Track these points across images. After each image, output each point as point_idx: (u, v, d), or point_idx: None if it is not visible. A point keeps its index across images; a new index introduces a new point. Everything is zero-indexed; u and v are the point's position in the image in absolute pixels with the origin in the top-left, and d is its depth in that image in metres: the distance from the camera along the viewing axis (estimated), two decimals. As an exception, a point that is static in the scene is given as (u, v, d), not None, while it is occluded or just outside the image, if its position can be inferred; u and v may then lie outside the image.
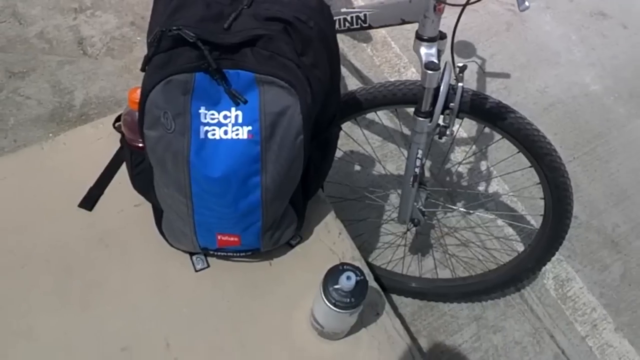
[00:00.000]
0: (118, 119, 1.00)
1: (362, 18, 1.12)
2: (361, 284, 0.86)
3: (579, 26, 2.22)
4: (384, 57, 2.00)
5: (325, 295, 0.86)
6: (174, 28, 0.75)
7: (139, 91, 0.81)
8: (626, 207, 1.74)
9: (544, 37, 2.16)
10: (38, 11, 1.90)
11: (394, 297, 1.49)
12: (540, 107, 1.95)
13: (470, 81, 1.96)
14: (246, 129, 0.80)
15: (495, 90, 1.97)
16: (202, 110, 0.79)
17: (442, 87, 1.03)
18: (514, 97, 1.96)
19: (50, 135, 1.63)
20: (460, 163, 1.76)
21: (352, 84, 1.90)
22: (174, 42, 0.77)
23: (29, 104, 1.70)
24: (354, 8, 1.13)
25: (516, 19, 2.18)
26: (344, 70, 1.93)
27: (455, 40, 1.48)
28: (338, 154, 1.46)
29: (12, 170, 1.08)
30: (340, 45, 1.99)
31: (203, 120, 0.80)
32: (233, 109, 0.80)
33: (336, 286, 0.85)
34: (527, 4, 0.86)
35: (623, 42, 2.19)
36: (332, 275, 0.87)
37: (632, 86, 2.05)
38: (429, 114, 1.05)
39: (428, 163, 1.74)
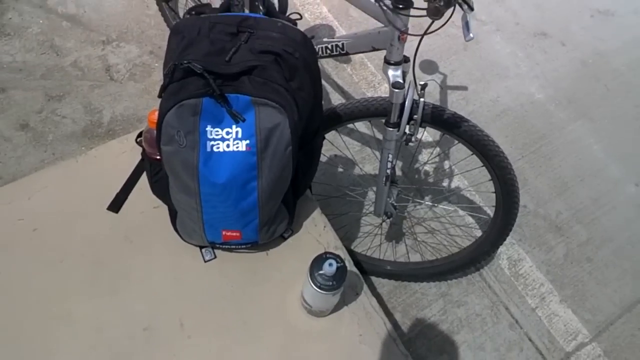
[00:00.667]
0: (139, 135, 1.00)
1: (340, 46, 1.16)
2: (341, 269, 0.88)
3: (524, 45, 2.23)
4: (361, 75, 2.02)
5: (311, 279, 0.89)
6: (185, 62, 0.79)
7: (156, 113, 0.84)
8: (567, 197, 1.78)
9: (495, 54, 2.18)
10: (72, 44, 1.92)
11: (373, 278, 1.51)
12: (494, 114, 1.97)
13: (434, 93, 1.99)
14: (245, 142, 0.83)
15: (455, 101, 1.99)
16: (209, 128, 0.83)
17: (407, 102, 1.05)
18: (471, 106, 1.98)
19: (83, 148, 1.65)
20: (426, 163, 1.78)
21: (335, 98, 1.93)
22: (185, 73, 0.81)
23: (64, 122, 1.72)
24: (333, 38, 1.17)
25: (472, 40, 2.21)
26: (328, 87, 1.95)
27: (421, 59, 1.48)
28: (323, 158, 1.48)
29: (52, 180, 1.09)
30: (325, 65, 2.01)
31: (209, 137, 0.83)
32: (234, 126, 0.83)
33: (320, 272, 0.88)
34: (471, 35, 0.91)
35: (562, 57, 2.21)
36: (317, 262, 0.89)
37: (570, 94, 2.08)
38: (397, 125, 1.08)
39: (399, 163, 1.76)
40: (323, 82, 1.97)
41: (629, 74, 2.18)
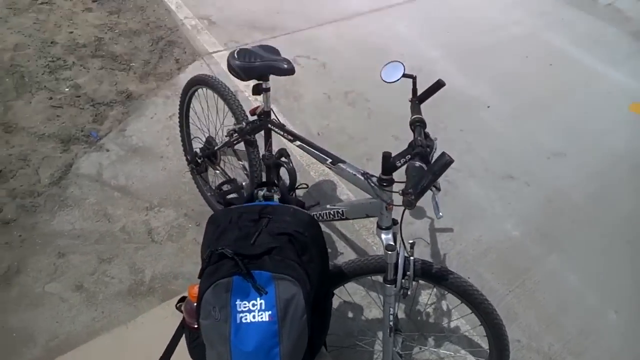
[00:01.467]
0: (180, 301, 1.08)
1: (341, 213, 1.29)
2: None
3: (495, 187, 2.32)
4: (361, 223, 2.10)
5: None
6: (219, 249, 0.92)
7: (196, 288, 0.93)
8: (555, 329, 1.74)
9: (473, 197, 2.28)
10: (121, 211, 2.08)
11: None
12: (479, 252, 2.00)
13: (425, 236, 2.05)
14: (267, 313, 0.91)
15: (444, 242, 2.03)
16: (238, 302, 0.91)
17: (399, 261, 1.12)
18: (458, 246, 2.02)
19: (127, 305, 1.69)
20: (427, 305, 1.76)
21: (340, 246, 2.00)
22: (219, 257, 0.93)
23: (113, 283, 1.78)
24: (335, 206, 1.31)
25: (451, 186, 2.31)
26: (333, 235, 2.04)
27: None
28: (332, 308, 1.48)
29: (106, 346, 1.15)
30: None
31: (239, 309, 0.91)
32: (258, 298, 0.92)
33: None
34: (440, 214, 1.03)
35: (529, 196, 2.30)
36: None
37: (542, 229, 2.13)
38: (394, 281, 1.14)
39: (402, 306, 1.75)
40: (329, 231, 2.08)
41: (588, 207, 2.27)
